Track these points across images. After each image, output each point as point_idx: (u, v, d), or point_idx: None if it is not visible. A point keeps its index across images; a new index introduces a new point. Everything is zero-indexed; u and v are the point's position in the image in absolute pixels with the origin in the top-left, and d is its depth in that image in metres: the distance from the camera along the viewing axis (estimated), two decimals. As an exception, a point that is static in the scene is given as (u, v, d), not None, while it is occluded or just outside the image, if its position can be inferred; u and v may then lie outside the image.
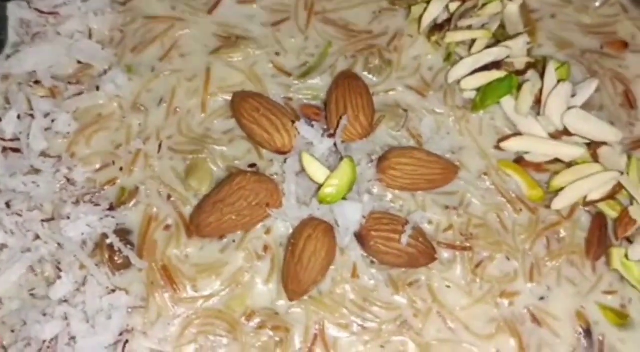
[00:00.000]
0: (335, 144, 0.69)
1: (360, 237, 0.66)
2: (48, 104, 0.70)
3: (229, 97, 0.72)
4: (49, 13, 0.74)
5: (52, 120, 0.70)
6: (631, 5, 0.84)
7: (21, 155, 0.68)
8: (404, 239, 0.64)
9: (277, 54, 0.76)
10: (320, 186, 0.66)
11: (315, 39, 0.77)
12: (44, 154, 0.69)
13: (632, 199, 0.69)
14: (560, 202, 0.70)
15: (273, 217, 0.66)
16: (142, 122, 0.71)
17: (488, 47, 0.76)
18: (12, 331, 0.62)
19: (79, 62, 0.73)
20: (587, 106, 0.73)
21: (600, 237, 0.69)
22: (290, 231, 0.66)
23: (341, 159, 0.67)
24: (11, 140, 0.68)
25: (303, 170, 0.67)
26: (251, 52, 0.76)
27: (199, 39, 0.77)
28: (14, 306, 0.62)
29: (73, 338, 0.60)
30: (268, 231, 0.66)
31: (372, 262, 0.66)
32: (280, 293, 0.64)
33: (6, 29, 0.75)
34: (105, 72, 0.73)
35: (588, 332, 0.65)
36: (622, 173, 0.70)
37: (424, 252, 0.66)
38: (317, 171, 0.67)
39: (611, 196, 0.70)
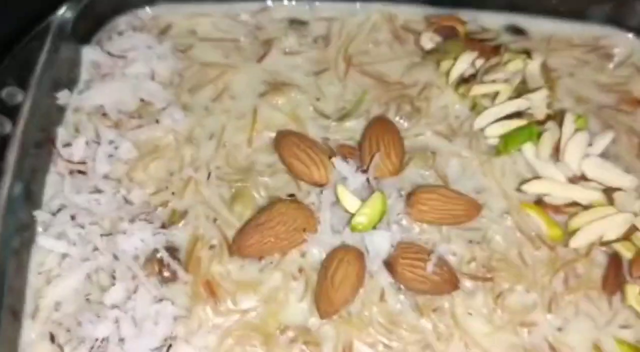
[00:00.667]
0: (367, 180, 0.74)
1: (389, 264, 0.70)
2: (112, 133, 0.76)
3: (273, 134, 0.78)
4: (118, 56, 0.81)
5: (115, 148, 0.76)
6: None
7: (86, 177, 0.74)
8: (430, 267, 0.68)
9: (318, 99, 0.82)
10: (352, 216, 0.71)
11: (352, 87, 0.84)
12: (106, 176, 0.75)
13: None
14: (578, 241, 0.73)
15: (308, 242, 0.71)
16: (194, 153, 0.77)
17: (510, 99, 0.81)
18: (68, 331, 0.66)
19: (142, 100, 0.80)
20: (603, 155, 0.78)
21: (616, 274, 0.72)
22: (324, 256, 0.71)
23: (373, 193, 0.72)
24: (79, 163, 0.74)
25: (338, 201, 0.72)
26: (294, 96, 0.82)
27: (248, 83, 0.83)
28: (71, 309, 0.67)
29: (122, 339, 0.65)
30: (303, 255, 0.71)
31: (399, 288, 0.70)
32: (313, 311, 0.69)
33: (79, 68, 0.81)
34: (164, 109, 0.79)
35: None
36: (636, 215, 0.74)
37: (448, 281, 0.69)
38: (351, 202, 0.72)
39: (626, 237, 0.73)
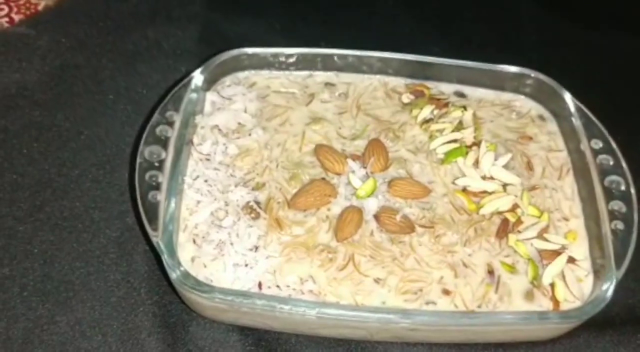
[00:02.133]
0: (367, 173, 0.96)
1: (376, 217, 0.93)
2: (224, 140, 0.98)
3: (313, 146, 1.00)
4: (226, 98, 1.04)
5: (226, 148, 0.98)
6: (537, 118, 1.10)
7: (210, 162, 0.97)
8: (398, 217, 0.91)
9: (340, 128, 1.04)
10: (357, 190, 0.94)
11: (360, 123, 1.05)
12: (220, 162, 0.97)
13: (523, 212, 0.96)
14: (485, 210, 0.96)
15: (332, 203, 0.93)
16: (269, 154, 0.99)
17: (452, 132, 1.03)
18: (203, 237, 0.90)
19: (239, 123, 1.01)
20: (504, 167, 1.00)
21: (504, 229, 0.95)
22: (340, 211, 0.93)
23: (369, 178, 0.95)
24: (206, 154, 0.98)
25: (349, 182, 0.95)
26: (326, 125, 1.04)
27: (299, 117, 1.05)
28: (204, 228, 0.91)
29: (232, 243, 0.89)
30: (329, 210, 0.94)
31: (381, 230, 0.92)
32: (333, 238, 0.91)
33: (204, 104, 1.03)
34: (252, 129, 1.01)
35: (492, 273, 0.91)
36: (516, 197, 0.97)
37: (408, 226, 0.92)
38: (356, 183, 0.95)
39: (512, 210, 0.96)
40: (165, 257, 0.85)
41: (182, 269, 0.85)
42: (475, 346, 0.92)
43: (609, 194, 0.96)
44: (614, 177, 0.98)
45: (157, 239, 0.87)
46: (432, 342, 0.91)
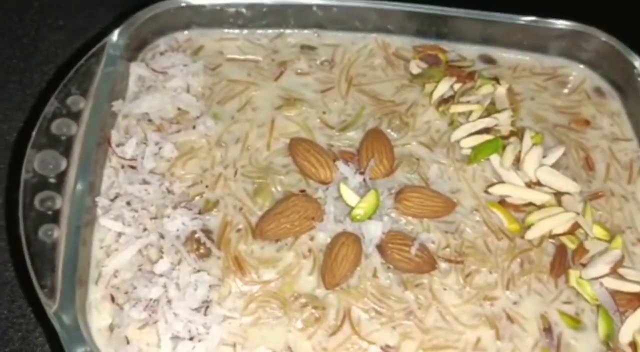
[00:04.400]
0: (364, 180, 0.81)
1: (380, 248, 0.77)
2: (157, 136, 0.82)
3: (287, 141, 0.85)
4: (160, 72, 0.87)
5: (160, 148, 0.81)
6: (593, 93, 0.96)
7: (136, 171, 0.80)
8: (413, 250, 0.76)
9: (324, 112, 0.89)
10: (352, 208, 0.78)
11: (352, 104, 0.90)
12: (152, 171, 0.80)
13: (586, 235, 0.81)
14: (532, 234, 0.81)
15: (316, 229, 0.78)
16: (223, 154, 0.83)
17: (481, 117, 0.88)
18: (125, 293, 0.72)
19: (179, 109, 0.85)
20: (555, 166, 0.85)
21: (561, 261, 0.79)
22: (328, 240, 0.77)
23: (368, 190, 0.79)
24: (130, 159, 0.80)
25: (340, 196, 0.79)
26: (304, 110, 0.88)
27: (266, 98, 0.89)
28: (127, 276, 0.73)
29: (169, 301, 0.71)
30: (312, 239, 0.78)
31: (388, 267, 0.77)
32: (319, 283, 0.75)
33: (128, 81, 0.86)
34: (198, 117, 0.85)
35: (549, 330, 0.75)
36: (578, 215, 0.81)
37: (427, 262, 0.77)
38: (351, 197, 0.79)
39: (571, 232, 0.81)
40: (63, 338, 0.66)
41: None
42: None
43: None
44: None
45: (52, 308, 0.67)
46: None
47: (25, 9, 1.04)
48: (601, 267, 0.78)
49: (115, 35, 0.86)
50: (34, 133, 0.77)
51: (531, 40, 0.97)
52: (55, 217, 0.72)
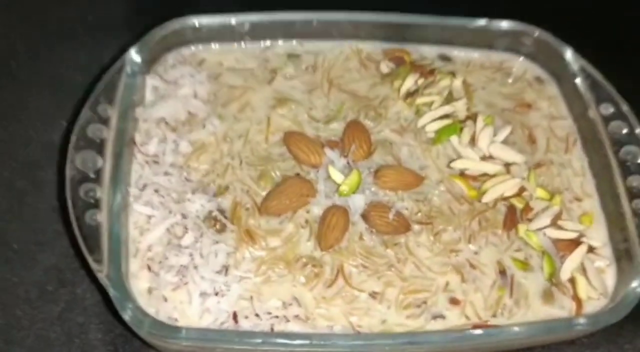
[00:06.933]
0: (348, 162, 0.88)
1: (364, 216, 0.85)
2: (174, 135, 0.88)
3: (281, 134, 0.91)
4: (171, 82, 0.93)
5: (177, 145, 0.88)
6: (534, 81, 1.02)
7: (159, 165, 0.87)
8: (390, 216, 0.83)
9: (311, 109, 0.95)
10: (339, 186, 0.86)
11: (334, 100, 0.96)
12: (172, 164, 0.87)
13: (531, 196, 0.88)
14: (487, 198, 0.88)
15: (311, 204, 0.85)
16: (229, 148, 0.89)
17: (441, 106, 0.95)
18: (159, 262, 0.80)
19: (189, 112, 0.91)
20: (504, 142, 0.92)
21: (512, 218, 0.87)
22: (321, 212, 0.84)
23: (352, 171, 0.87)
24: (153, 156, 0.87)
25: (329, 176, 0.86)
26: (294, 108, 0.94)
27: (262, 99, 0.95)
28: (159, 249, 0.80)
29: (196, 267, 0.79)
30: (308, 212, 0.85)
31: (372, 231, 0.84)
32: (316, 247, 0.82)
33: (144, 91, 0.92)
34: (206, 118, 0.91)
35: (504, 273, 0.83)
36: (523, 180, 0.89)
37: (403, 225, 0.84)
38: (337, 177, 0.86)
39: (518, 194, 0.88)
40: (114, 295, 0.73)
41: (136, 306, 0.73)
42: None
43: (625, 168, 0.87)
44: (630, 148, 0.89)
45: (102, 273, 0.74)
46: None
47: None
48: (544, 220, 0.86)
49: (132, 53, 0.91)
50: (73, 136, 0.84)
51: (480, 40, 1.03)
52: (97, 205, 0.79)
